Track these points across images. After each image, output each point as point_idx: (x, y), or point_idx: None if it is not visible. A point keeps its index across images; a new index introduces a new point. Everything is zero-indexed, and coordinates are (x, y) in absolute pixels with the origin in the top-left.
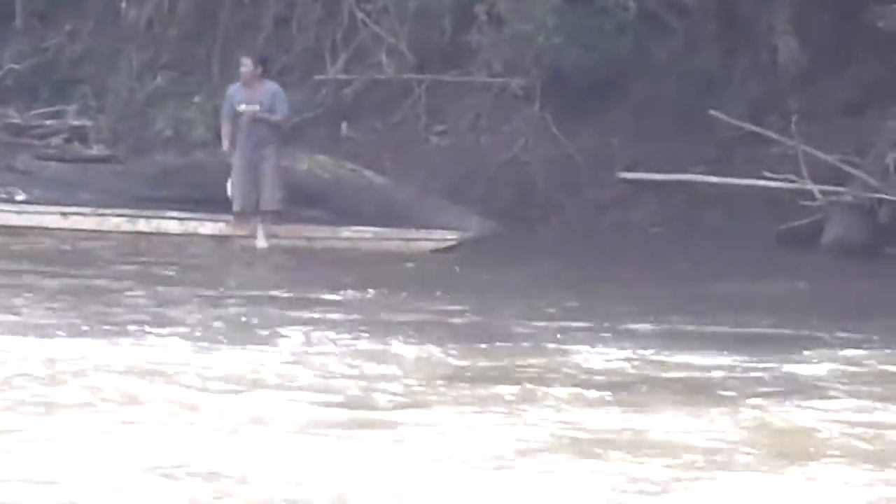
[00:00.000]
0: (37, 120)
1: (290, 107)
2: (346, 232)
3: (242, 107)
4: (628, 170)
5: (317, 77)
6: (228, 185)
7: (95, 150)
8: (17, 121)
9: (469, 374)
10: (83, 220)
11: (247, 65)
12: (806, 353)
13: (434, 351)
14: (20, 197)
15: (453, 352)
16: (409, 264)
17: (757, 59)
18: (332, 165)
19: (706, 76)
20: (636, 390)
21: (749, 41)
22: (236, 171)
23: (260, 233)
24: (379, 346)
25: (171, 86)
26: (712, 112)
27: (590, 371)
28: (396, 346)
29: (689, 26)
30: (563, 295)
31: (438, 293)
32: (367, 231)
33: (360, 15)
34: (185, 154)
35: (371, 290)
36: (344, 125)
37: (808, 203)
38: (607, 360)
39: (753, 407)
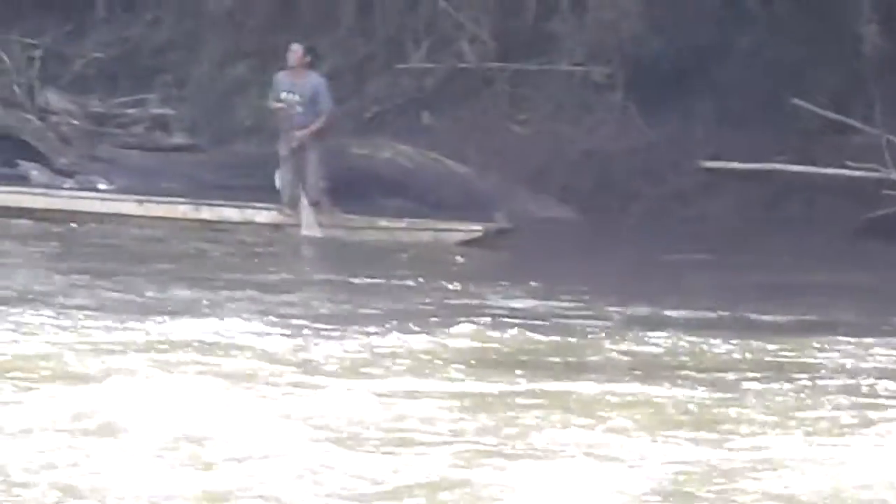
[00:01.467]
0: (119, 109)
1: (333, 100)
2: (383, 222)
3: (283, 95)
4: (710, 158)
5: (398, 66)
6: (276, 175)
7: (177, 139)
8: (99, 110)
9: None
10: (156, 208)
11: (295, 50)
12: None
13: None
14: (102, 186)
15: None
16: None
17: (840, 47)
18: (414, 154)
19: (789, 64)
20: None
21: (832, 29)
22: (282, 161)
23: (305, 221)
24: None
25: (252, 75)
26: (795, 101)
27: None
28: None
29: (771, 14)
30: (642, 282)
31: (534, 283)
32: (402, 222)
33: (441, 3)
34: (265, 143)
35: (420, 278)
36: (426, 114)
37: (891, 192)
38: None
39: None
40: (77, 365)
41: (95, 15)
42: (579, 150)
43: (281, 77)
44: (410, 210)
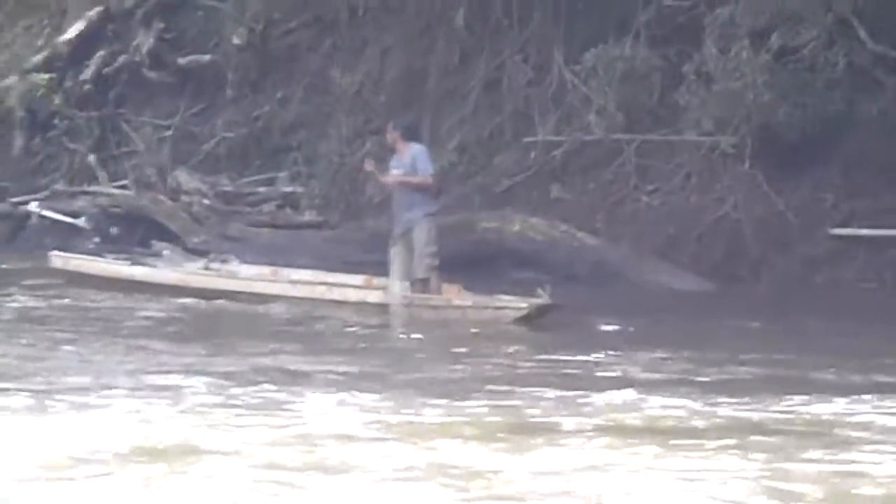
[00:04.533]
0: (249, 187)
1: (433, 165)
2: (457, 301)
3: (392, 173)
4: (840, 226)
5: (526, 139)
6: (391, 251)
7: (307, 216)
8: (229, 189)
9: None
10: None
11: (389, 128)
12: None
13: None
14: (234, 264)
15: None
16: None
17: None
18: (544, 227)
19: None
20: None
21: None
22: (393, 239)
23: (391, 293)
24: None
25: (380, 151)
26: None
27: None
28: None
29: None
30: (777, 348)
31: (687, 352)
32: (469, 300)
33: (568, 76)
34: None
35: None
36: (555, 186)
37: None
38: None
39: None
40: None
41: (225, 95)
42: (708, 219)
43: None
44: (540, 282)
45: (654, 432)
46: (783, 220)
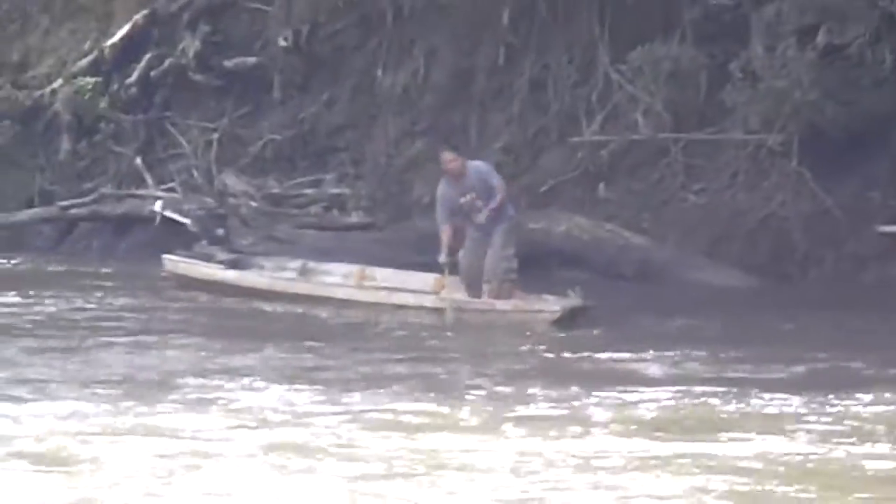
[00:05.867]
0: (296, 189)
1: (497, 176)
2: (500, 305)
3: (462, 200)
4: (888, 223)
5: (573, 139)
6: (460, 255)
7: (354, 218)
8: (276, 191)
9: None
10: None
11: (450, 157)
12: None
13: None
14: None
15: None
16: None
17: None
18: (591, 226)
19: None
20: None
21: None
22: (466, 251)
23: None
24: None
25: (427, 152)
26: None
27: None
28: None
29: None
30: (823, 346)
31: (735, 352)
32: (509, 304)
33: (614, 76)
34: None
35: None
36: (601, 186)
37: None
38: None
39: None
40: None
41: (271, 97)
42: (755, 217)
43: (445, 189)
44: (586, 282)
45: (700, 428)
46: (830, 217)
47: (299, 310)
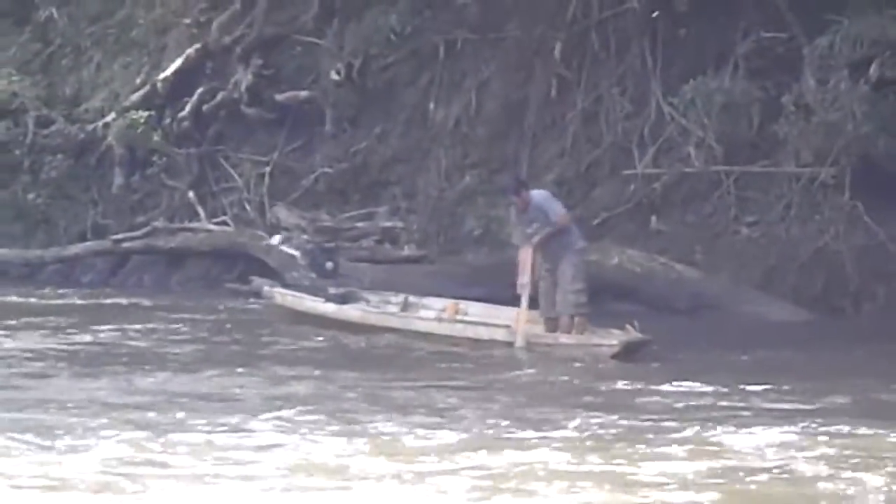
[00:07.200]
0: (348, 222)
1: (559, 204)
2: (563, 338)
3: (529, 231)
4: None
5: (625, 172)
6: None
7: (406, 251)
8: (329, 224)
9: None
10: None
11: (513, 200)
12: None
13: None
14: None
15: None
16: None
17: None
18: (643, 259)
19: None
20: None
21: None
22: (542, 280)
23: (520, 331)
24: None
25: (479, 184)
26: None
27: None
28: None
29: None
30: (879, 378)
31: (787, 383)
32: (572, 338)
33: (666, 109)
34: (495, 252)
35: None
36: (654, 219)
37: None
38: None
39: None
40: None
41: (323, 130)
42: (808, 250)
43: (514, 214)
44: (634, 316)
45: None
46: (884, 250)
47: (395, 339)
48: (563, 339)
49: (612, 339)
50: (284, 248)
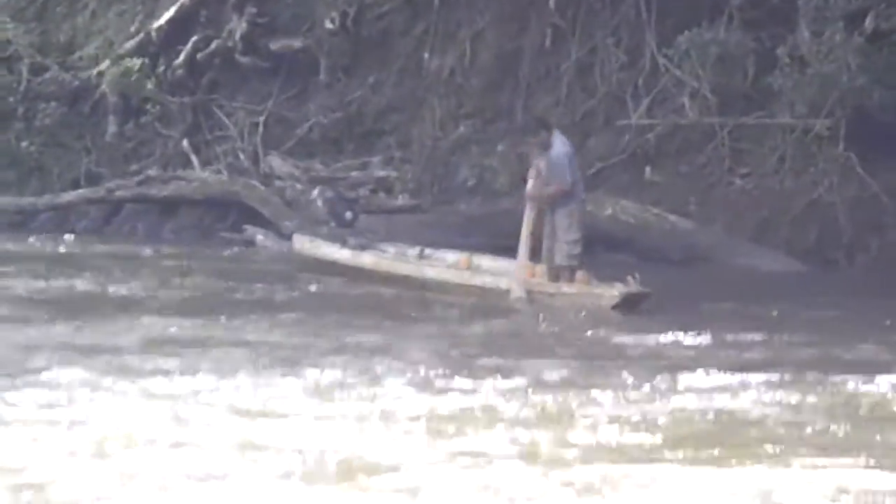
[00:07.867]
0: (342, 172)
1: (570, 173)
2: (565, 288)
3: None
4: None
5: (619, 122)
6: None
7: (400, 201)
8: (323, 173)
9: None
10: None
11: (530, 141)
12: None
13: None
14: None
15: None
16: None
17: None
18: (637, 210)
19: None
20: None
21: None
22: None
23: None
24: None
25: (473, 134)
26: None
27: None
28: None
29: None
30: (870, 331)
31: (788, 336)
32: (574, 287)
33: (661, 60)
34: (488, 202)
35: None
36: (647, 170)
37: None
38: None
39: None
40: None
41: (317, 80)
42: (802, 202)
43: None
44: (632, 266)
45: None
46: (877, 202)
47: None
48: (565, 288)
49: (613, 290)
50: (319, 202)
